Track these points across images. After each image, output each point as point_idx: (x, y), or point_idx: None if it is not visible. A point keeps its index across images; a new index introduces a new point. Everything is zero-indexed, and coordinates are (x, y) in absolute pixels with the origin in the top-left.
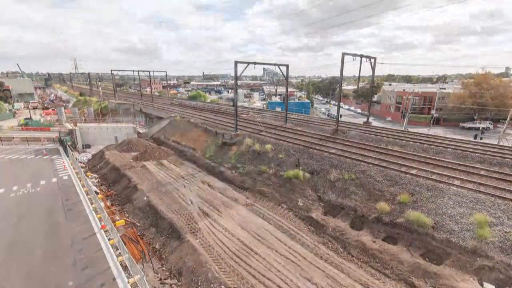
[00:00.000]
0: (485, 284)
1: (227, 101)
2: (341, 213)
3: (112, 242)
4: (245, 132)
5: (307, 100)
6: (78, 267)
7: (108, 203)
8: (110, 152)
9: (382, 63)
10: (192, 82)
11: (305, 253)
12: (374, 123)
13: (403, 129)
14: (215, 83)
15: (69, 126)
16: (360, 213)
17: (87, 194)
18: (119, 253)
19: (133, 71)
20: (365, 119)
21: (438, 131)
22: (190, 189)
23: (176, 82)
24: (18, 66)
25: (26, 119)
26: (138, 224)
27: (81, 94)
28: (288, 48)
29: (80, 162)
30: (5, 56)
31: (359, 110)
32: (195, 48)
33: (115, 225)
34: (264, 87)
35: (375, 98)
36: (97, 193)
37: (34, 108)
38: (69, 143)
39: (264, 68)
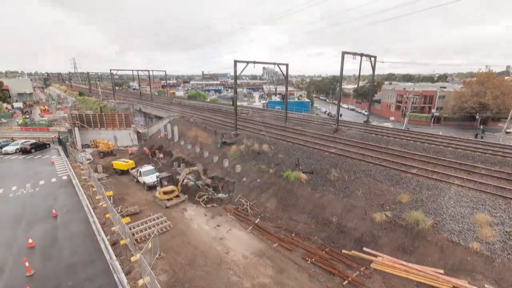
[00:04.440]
0: (486, 285)
1: (226, 101)
2: None
3: (111, 242)
4: (245, 132)
5: (307, 100)
6: (78, 267)
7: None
8: None
9: (383, 62)
10: (191, 82)
11: None
12: (375, 123)
13: (403, 128)
14: (215, 82)
15: (68, 126)
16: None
17: (87, 195)
18: (119, 252)
19: (133, 70)
20: (365, 119)
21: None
22: None
23: (175, 81)
24: None
25: (25, 118)
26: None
27: (80, 94)
28: None
29: (79, 162)
30: None
31: (360, 110)
32: None
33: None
34: (264, 86)
35: (375, 97)
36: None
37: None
38: (68, 143)
39: (263, 67)
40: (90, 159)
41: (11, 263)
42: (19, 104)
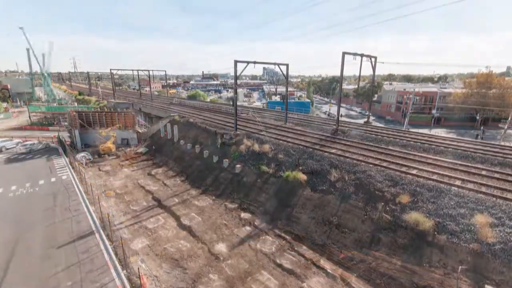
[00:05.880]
0: (486, 286)
1: (226, 101)
2: None
3: (111, 242)
4: (245, 132)
5: (307, 100)
6: (77, 267)
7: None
8: None
9: (383, 62)
10: (191, 82)
11: None
12: (375, 123)
13: (403, 129)
14: (215, 82)
15: (68, 125)
16: None
17: (87, 195)
18: (119, 252)
19: (133, 70)
20: (365, 119)
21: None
22: None
23: (176, 81)
24: None
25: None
26: None
27: (80, 94)
28: None
29: (79, 162)
30: None
31: (360, 110)
32: None
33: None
34: (264, 86)
35: (375, 98)
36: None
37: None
38: (68, 143)
39: (264, 68)
40: (90, 159)
41: (11, 263)
42: (19, 104)
